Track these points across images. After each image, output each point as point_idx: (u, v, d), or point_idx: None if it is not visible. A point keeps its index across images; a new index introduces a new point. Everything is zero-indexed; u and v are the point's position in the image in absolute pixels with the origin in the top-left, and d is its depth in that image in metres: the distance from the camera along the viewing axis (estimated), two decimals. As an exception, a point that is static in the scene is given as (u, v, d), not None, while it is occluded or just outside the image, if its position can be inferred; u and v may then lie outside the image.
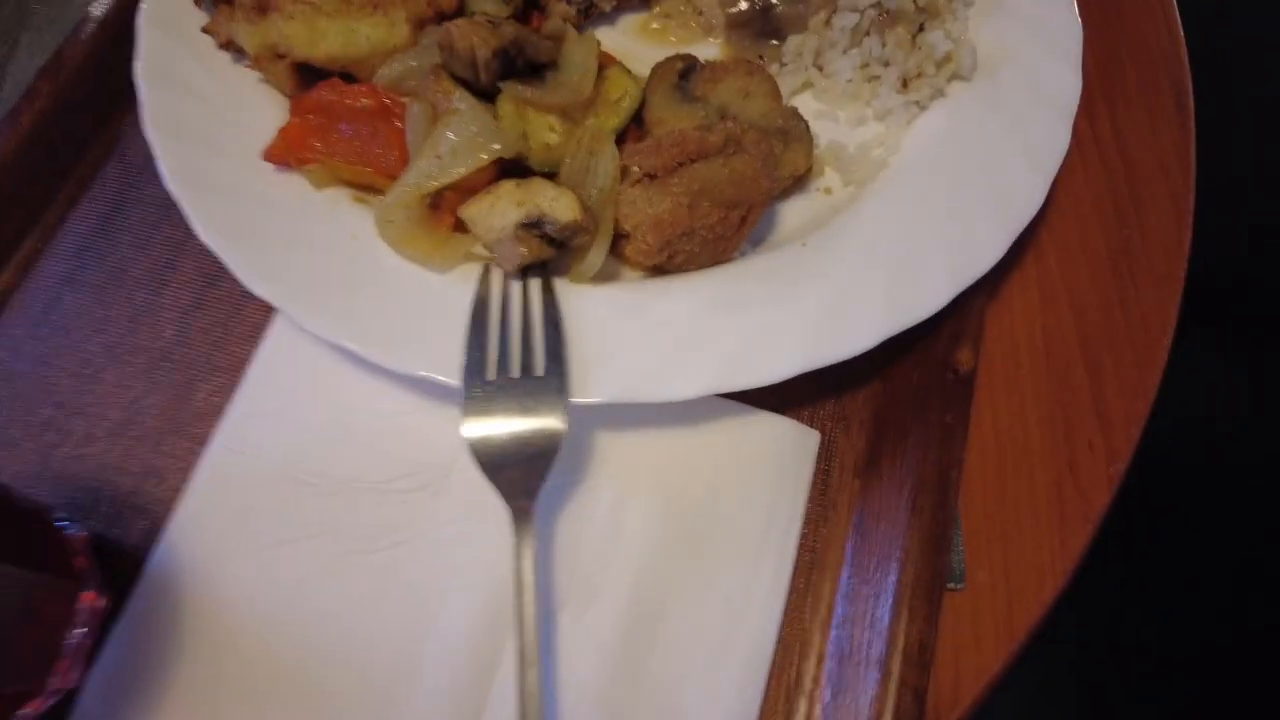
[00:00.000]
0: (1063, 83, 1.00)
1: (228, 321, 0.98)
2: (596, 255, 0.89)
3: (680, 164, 0.87)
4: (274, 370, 0.94)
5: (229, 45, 1.01)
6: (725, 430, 0.88)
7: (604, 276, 0.92)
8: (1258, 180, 1.64)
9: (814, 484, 0.88)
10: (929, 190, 0.93)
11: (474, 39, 0.89)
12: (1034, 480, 0.92)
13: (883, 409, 0.91)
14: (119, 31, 1.06)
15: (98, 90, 1.09)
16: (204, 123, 0.97)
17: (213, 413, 0.93)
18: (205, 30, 1.02)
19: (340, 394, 0.92)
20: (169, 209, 0.93)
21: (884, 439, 0.89)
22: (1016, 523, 0.90)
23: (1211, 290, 1.26)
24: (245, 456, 0.89)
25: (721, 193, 0.87)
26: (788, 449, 0.88)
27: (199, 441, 0.91)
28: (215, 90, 1.00)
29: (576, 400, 0.81)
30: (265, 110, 1.00)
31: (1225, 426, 1.55)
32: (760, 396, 0.87)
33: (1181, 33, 1.21)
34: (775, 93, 0.97)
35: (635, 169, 0.89)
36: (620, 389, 0.81)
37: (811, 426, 0.90)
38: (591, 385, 0.82)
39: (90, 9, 1.15)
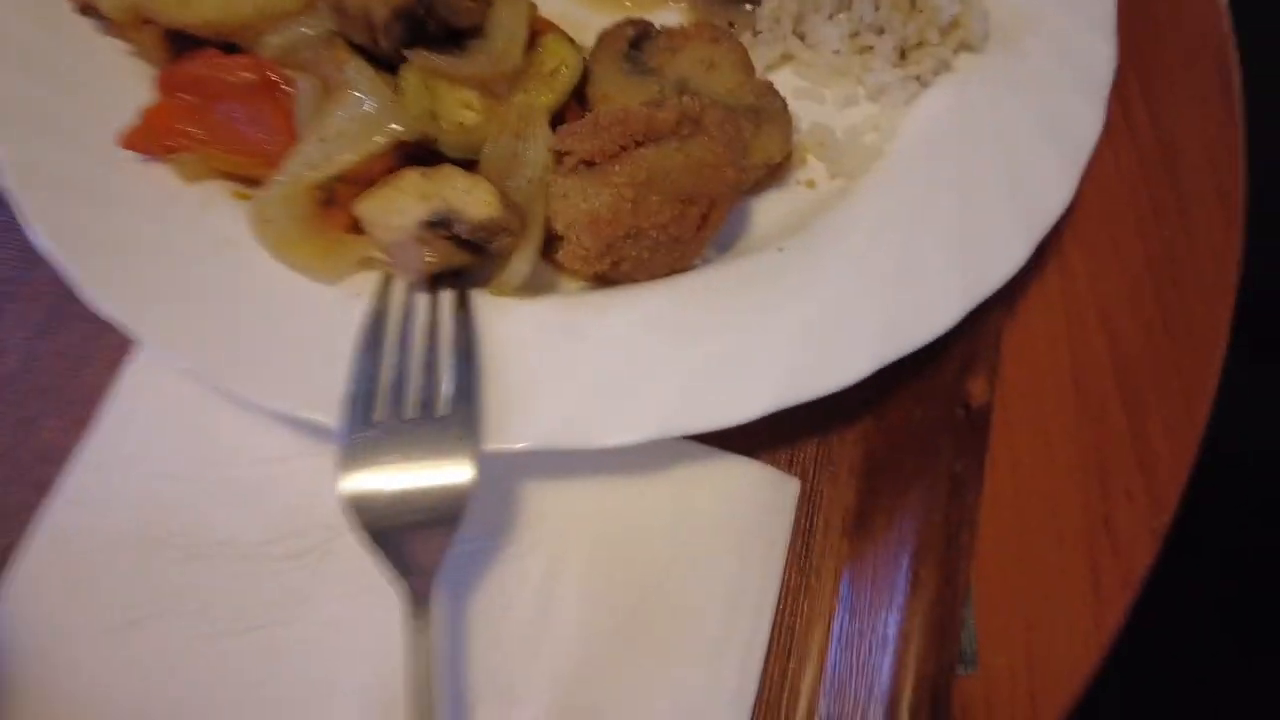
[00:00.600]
0: (1094, 54, 0.85)
1: (85, 346, 0.82)
2: (522, 262, 0.72)
3: (624, 148, 0.70)
4: (135, 405, 0.78)
5: (87, 10, 0.84)
6: (682, 480, 0.72)
7: (535, 288, 0.76)
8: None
9: (792, 545, 0.72)
10: (933, 185, 0.78)
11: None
12: (1062, 540, 0.76)
13: (877, 452, 0.75)
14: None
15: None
16: (54, 104, 0.81)
17: (58, 455, 0.77)
18: (60, -7, 0.85)
19: (212, 435, 0.76)
20: (8, 211, 0.77)
21: (879, 490, 0.73)
22: (1041, 593, 0.74)
23: (1269, 303, 1.09)
24: (94, 510, 0.75)
25: (676, 184, 0.70)
26: (759, 502, 0.72)
27: (39, 490, 0.75)
28: (66, 65, 0.83)
29: (491, 447, 0.65)
30: (129, 88, 0.83)
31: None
32: (727, 435, 0.71)
33: (1227, 6, 1.04)
34: (746, 64, 0.80)
35: (568, 153, 0.72)
36: (546, 433, 0.65)
37: (790, 473, 0.74)
38: (511, 428, 0.66)
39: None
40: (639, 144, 0.70)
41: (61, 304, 0.83)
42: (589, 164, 0.71)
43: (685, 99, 0.72)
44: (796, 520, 0.73)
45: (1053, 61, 0.84)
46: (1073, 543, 0.75)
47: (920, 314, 0.69)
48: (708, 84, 0.79)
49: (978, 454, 0.72)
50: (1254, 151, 0.96)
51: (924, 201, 0.76)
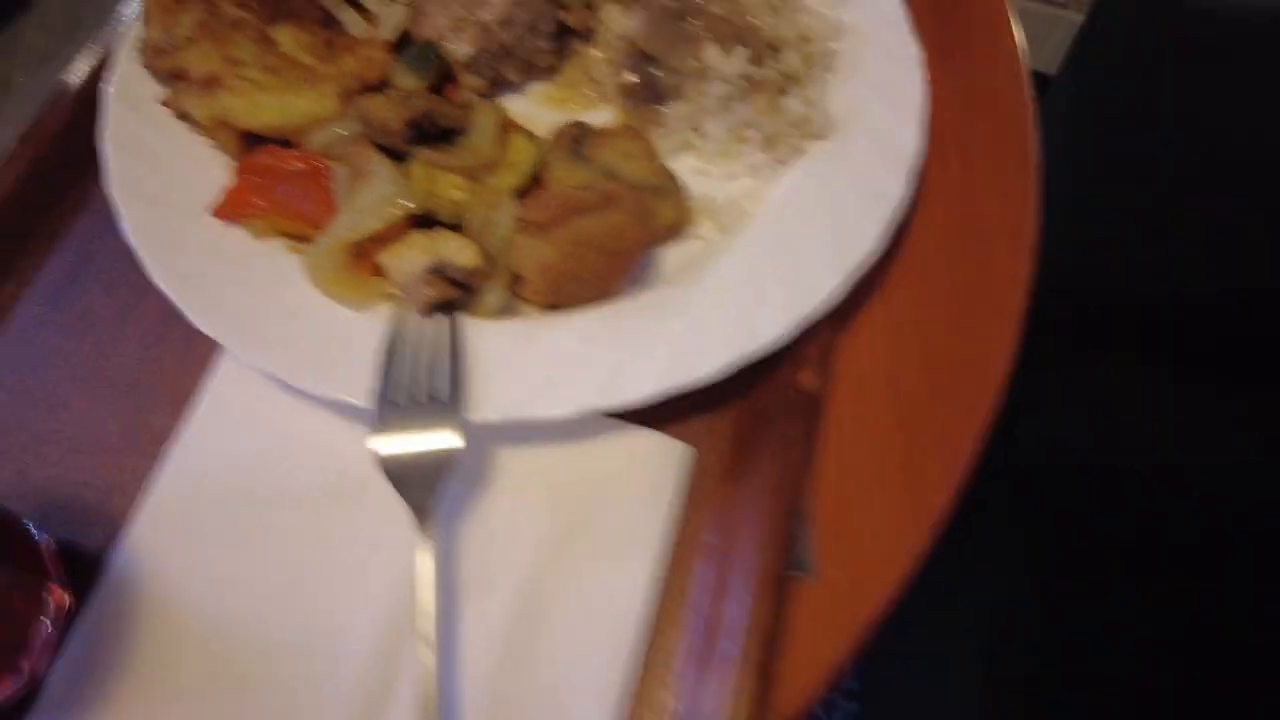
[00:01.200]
0: (905, 137, 1.15)
1: (182, 356, 1.12)
2: (495, 296, 1.04)
3: (563, 217, 1.02)
4: (221, 398, 1.08)
5: (184, 116, 1.17)
6: (605, 444, 1.03)
7: (504, 313, 1.07)
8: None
9: (686, 491, 1.02)
10: (780, 236, 1.08)
11: (387, 113, 1.05)
12: (883, 484, 1.06)
13: (740, 426, 1.05)
14: (90, 102, 1.22)
15: (70, 154, 1.24)
16: (161, 183, 1.13)
17: (168, 435, 1.06)
18: (163, 103, 1.17)
19: (279, 417, 1.06)
20: (131, 259, 1.07)
21: (740, 451, 1.04)
22: (863, 522, 1.03)
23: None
24: (195, 471, 1.03)
25: (600, 243, 1.02)
26: (658, 458, 1.02)
27: (155, 460, 1.05)
28: (171, 155, 1.16)
29: (472, 419, 0.96)
30: (214, 172, 1.15)
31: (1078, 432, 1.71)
32: (642, 415, 1.02)
33: (1030, 94, 1.37)
34: (651, 153, 1.13)
35: (527, 221, 1.04)
36: (508, 409, 0.96)
37: (684, 440, 1.04)
38: (485, 406, 0.97)
39: (67, 82, 1.31)
40: (573, 215, 1.02)
41: (163, 327, 1.14)
42: (541, 228, 1.03)
43: (607, 183, 1.04)
44: (690, 475, 1.04)
45: (874, 145, 1.14)
46: (890, 485, 1.05)
47: (761, 329, 1.00)
48: (627, 170, 1.11)
49: (809, 423, 1.02)
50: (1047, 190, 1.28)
51: (772, 248, 1.07)
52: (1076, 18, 3.18)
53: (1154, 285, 1.79)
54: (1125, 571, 1.59)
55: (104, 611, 0.95)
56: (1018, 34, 1.45)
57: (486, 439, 1.03)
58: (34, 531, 0.96)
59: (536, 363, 1.00)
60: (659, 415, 1.03)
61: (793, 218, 1.11)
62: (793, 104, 1.15)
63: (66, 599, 0.94)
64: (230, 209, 1.09)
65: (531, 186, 1.14)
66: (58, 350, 1.13)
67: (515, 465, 1.03)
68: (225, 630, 0.95)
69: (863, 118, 1.18)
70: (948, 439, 1.10)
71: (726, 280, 1.05)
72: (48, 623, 0.91)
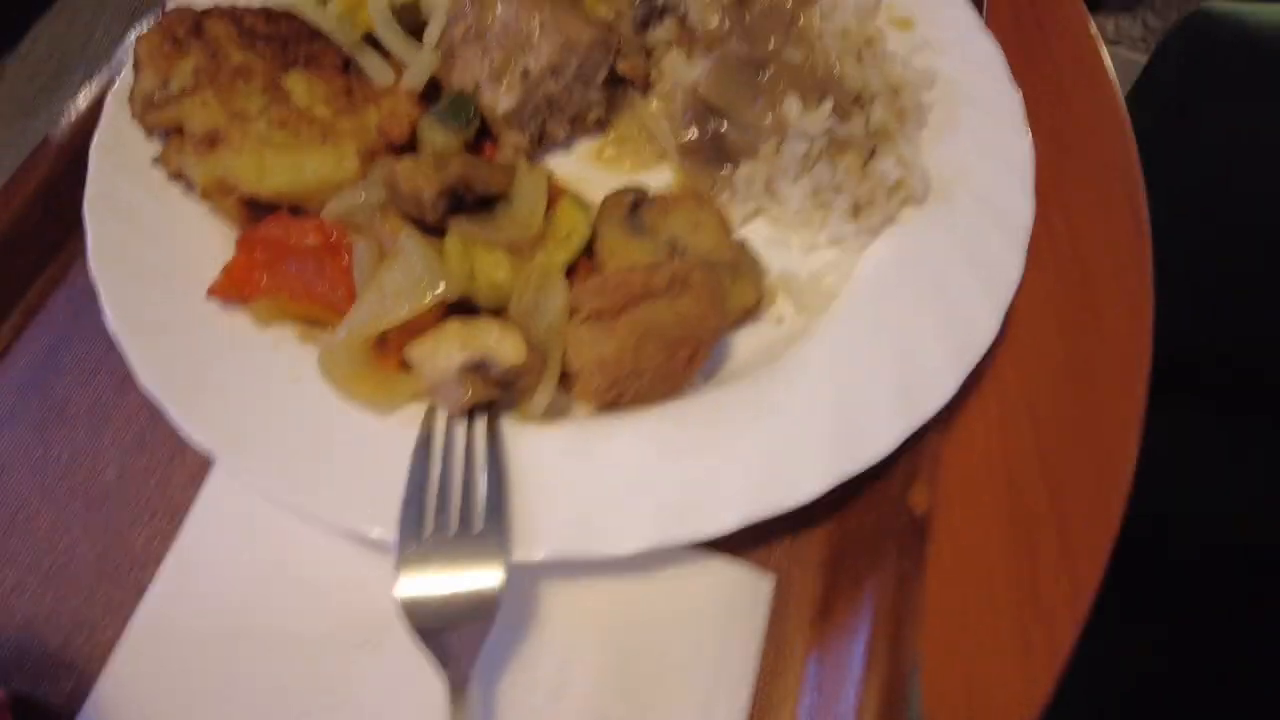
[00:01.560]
0: (1015, 205, 1.00)
1: (169, 462, 0.96)
2: (543, 396, 0.87)
3: (626, 305, 0.86)
4: (215, 515, 0.91)
5: (179, 177, 1.01)
6: (673, 578, 0.86)
7: (552, 411, 0.90)
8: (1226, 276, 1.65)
9: (767, 633, 0.85)
10: (879, 320, 0.92)
11: (419, 180, 0.88)
12: (998, 616, 0.89)
13: (837, 551, 0.89)
14: (75, 159, 1.06)
15: (49, 218, 1.08)
16: (150, 257, 0.97)
17: (150, 560, 0.90)
18: (156, 162, 1.01)
19: (282, 541, 0.89)
20: (115, 341, 0.91)
21: (839, 584, 0.87)
22: (981, 665, 0.86)
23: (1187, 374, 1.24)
24: (181, 608, 0.87)
25: (668, 333, 0.86)
26: (739, 596, 0.85)
27: (134, 591, 0.88)
28: (163, 223, 1.00)
29: (516, 558, 0.79)
30: (214, 244, 0.99)
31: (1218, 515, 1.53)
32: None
33: (1134, 145, 1.22)
34: (724, 225, 0.96)
35: (583, 308, 0.87)
36: (560, 545, 0.79)
37: (765, 569, 0.87)
38: (532, 540, 0.80)
39: (50, 135, 1.15)
40: (638, 301, 0.86)
41: (149, 426, 0.98)
42: (599, 317, 0.87)
43: (675, 262, 0.88)
44: (772, 608, 0.86)
45: (981, 213, 0.99)
46: (1006, 620, 0.89)
47: (867, 439, 0.83)
48: (694, 242, 0.95)
49: (920, 554, 0.85)
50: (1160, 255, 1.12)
51: (871, 335, 0.91)
52: (1133, 56, 3.07)
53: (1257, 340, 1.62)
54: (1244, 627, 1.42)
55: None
56: (1113, 78, 1.30)
57: (532, 574, 0.85)
58: (-22, 689, 0.79)
59: (593, 482, 0.83)
60: (733, 539, 0.86)
61: (892, 298, 0.94)
62: (885, 165, 0.99)
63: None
64: (230, 289, 0.93)
65: (582, 263, 0.97)
66: (25, 452, 0.97)
67: (565, 605, 0.86)
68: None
69: (964, 180, 1.03)
70: (1074, 556, 0.93)
71: (818, 376, 0.89)
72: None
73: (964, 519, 0.93)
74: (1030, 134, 1.07)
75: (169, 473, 0.95)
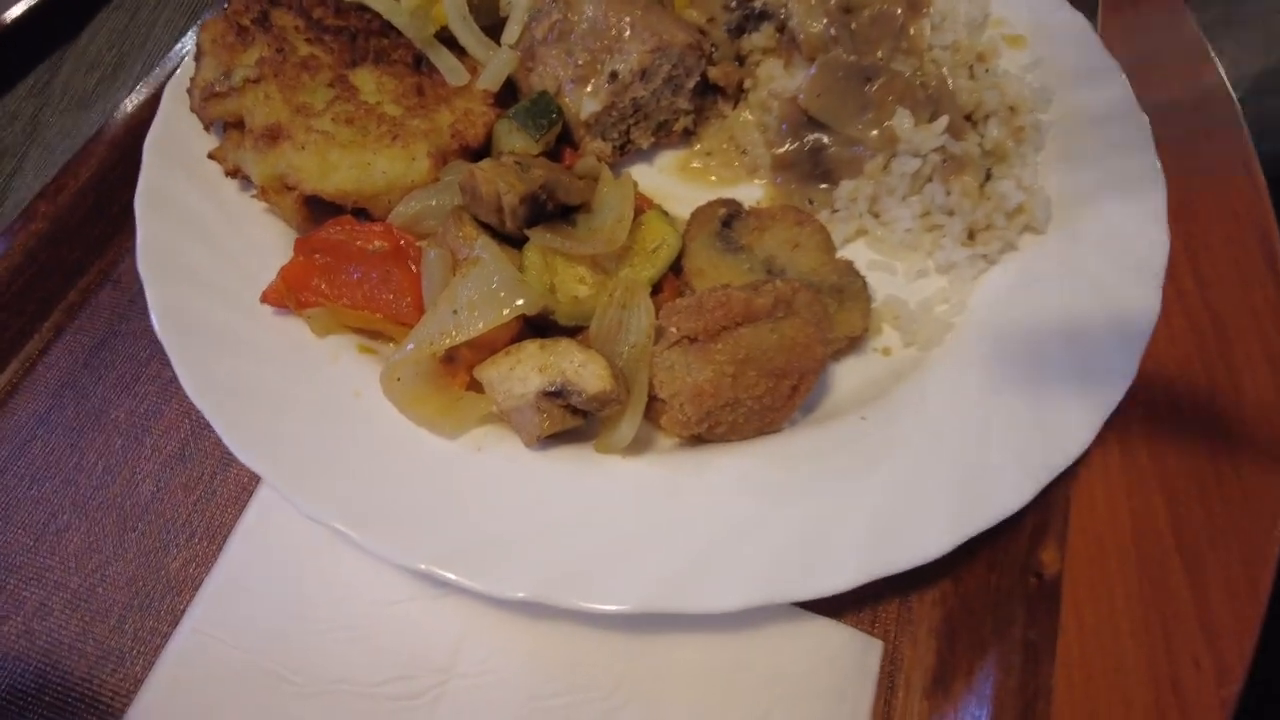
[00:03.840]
0: (1149, 239, 0.91)
1: (212, 478, 0.88)
2: (628, 428, 0.78)
3: (725, 328, 0.77)
4: (259, 541, 0.83)
5: (236, 174, 0.94)
6: (771, 640, 0.76)
7: (635, 443, 0.81)
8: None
9: (875, 703, 0.75)
10: (1003, 361, 0.83)
11: (500, 185, 0.81)
12: (1130, 705, 0.78)
13: (955, 616, 0.78)
14: (128, 153, 1.00)
15: (97, 213, 1.02)
16: (202, 258, 0.89)
17: (187, 586, 0.82)
18: (211, 156, 0.95)
19: (332, 574, 0.81)
20: (160, 345, 0.83)
21: (957, 653, 0.76)
22: None
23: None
24: (218, 642, 0.79)
25: (770, 361, 0.77)
26: (846, 663, 0.75)
27: (167, 621, 0.80)
28: (218, 223, 0.93)
29: (592, 607, 0.69)
30: (272, 247, 0.92)
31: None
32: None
33: (1265, 184, 1.11)
34: (828, 244, 0.88)
35: (674, 330, 0.79)
36: (649, 597, 0.69)
37: (873, 632, 0.77)
38: (616, 590, 0.70)
39: (105, 127, 1.09)
40: (738, 324, 0.77)
41: (191, 438, 0.90)
42: (692, 340, 0.78)
43: (779, 283, 0.79)
44: (879, 679, 0.76)
45: (1112, 246, 0.90)
46: (1141, 707, 0.78)
47: (996, 492, 0.74)
48: (793, 262, 0.86)
49: (1050, 623, 0.75)
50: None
51: (995, 376, 0.82)
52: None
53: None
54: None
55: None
56: (1239, 111, 1.20)
57: (615, 628, 0.76)
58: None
59: (687, 528, 0.74)
60: (838, 598, 0.76)
61: (1016, 335, 0.85)
62: (1004, 187, 0.90)
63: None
64: (286, 295, 0.86)
65: (668, 280, 0.89)
66: (58, 460, 0.89)
67: (644, 667, 0.76)
68: None
69: (1091, 209, 0.93)
70: (1216, 638, 0.81)
71: (939, 418, 0.79)
72: None
73: (1089, 588, 0.82)
74: (1158, 161, 0.98)
75: (211, 490, 0.87)
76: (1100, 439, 0.90)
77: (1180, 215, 1.06)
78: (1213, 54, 1.23)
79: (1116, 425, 0.92)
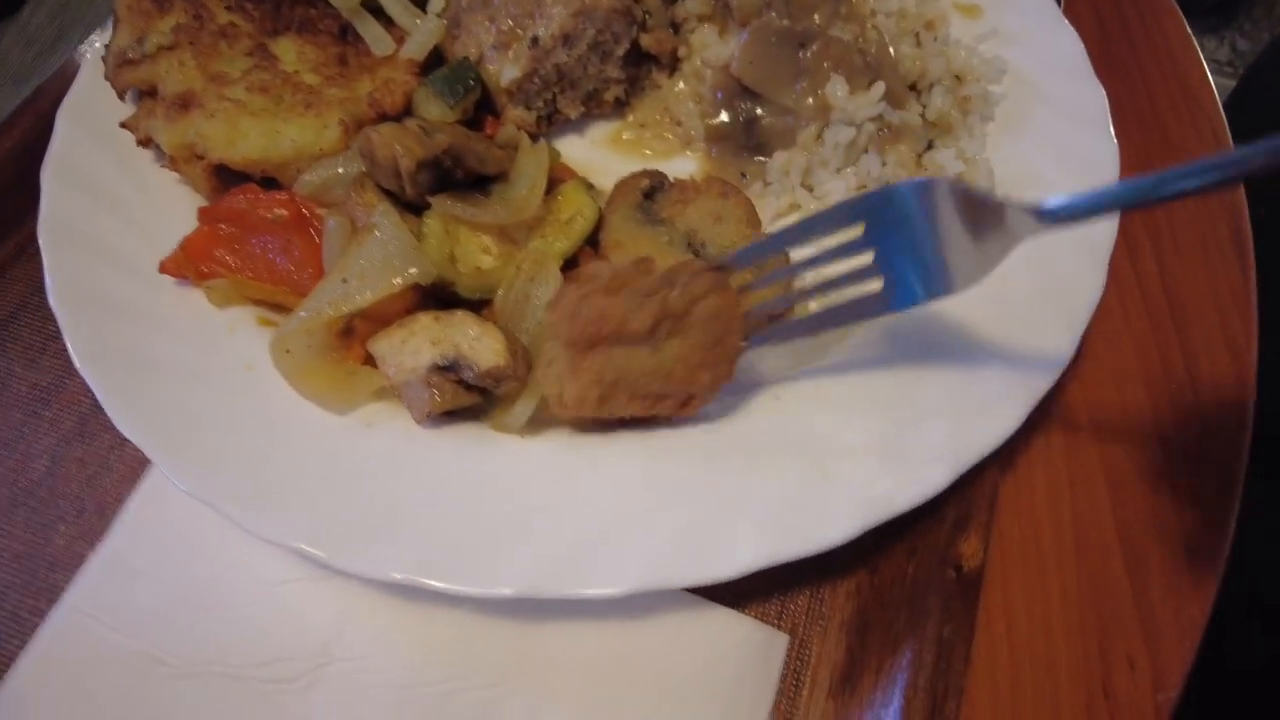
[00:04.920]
0: (1097, 216, 0.85)
1: (108, 455, 0.85)
2: (524, 408, 0.74)
3: (595, 344, 0.71)
4: (149, 518, 0.80)
5: (148, 143, 0.91)
6: (669, 629, 0.72)
7: (536, 422, 0.77)
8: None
9: (777, 702, 0.70)
10: (932, 337, 0.78)
11: (397, 148, 0.77)
12: (1058, 709, 0.73)
13: (869, 609, 0.74)
14: (50, 125, 0.97)
15: (19, 185, 0.99)
16: (106, 227, 0.87)
17: (71, 562, 0.79)
18: (124, 125, 0.92)
19: (220, 553, 0.78)
20: (66, 317, 0.81)
21: (868, 649, 0.72)
22: None
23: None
24: (96, 622, 0.76)
25: (644, 386, 0.71)
26: (747, 657, 0.71)
27: (48, 598, 0.77)
28: (127, 193, 0.90)
29: (480, 592, 0.65)
30: (182, 216, 0.88)
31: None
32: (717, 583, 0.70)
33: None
34: (752, 217, 0.83)
35: (556, 325, 0.72)
36: (537, 580, 0.65)
37: (779, 625, 0.73)
38: (502, 573, 0.66)
39: (31, 99, 1.07)
40: (608, 343, 0.70)
41: (91, 415, 0.87)
42: (567, 345, 0.70)
43: (673, 294, 0.70)
44: (784, 674, 0.71)
45: None
46: (1069, 714, 0.73)
47: (912, 474, 0.69)
48: (715, 236, 0.82)
49: (967, 619, 0.70)
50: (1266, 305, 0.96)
51: (921, 354, 0.77)
52: (1220, 81, 2.85)
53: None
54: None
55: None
56: (1213, 88, 1.14)
57: (501, 613, 0.72)
58: None
59: (579, 510, 0.69)
60: (742, 586, 0.72)
61: (944, 313, 0.80)
62: (944, 157, 0.85)
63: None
64: (186, 265, 0.83)
65: (584, 253, 0.85)
66: (-45, 433, 0.86)
67: (534, 655, 0.72)
68: None
69: (1036, 183, 0.88)
70: (1156, 641, 0.76)
71: (857, 398, 0.74)
72: None
73: (1022, 582, 0.77)
74: (1115, 139, 0.92)
75: (106, 465, 0.84)
76: (1042, 426, 0.86)
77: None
78: (1188, 28, 1.17)
79: (1060, 413, 0.87)
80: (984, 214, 0.61)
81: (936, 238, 0.64)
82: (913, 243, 0.65)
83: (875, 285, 0.69)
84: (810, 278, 0.74)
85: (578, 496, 0.71)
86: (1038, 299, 0.81)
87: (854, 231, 0.68)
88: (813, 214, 0.72)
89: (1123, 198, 0.58)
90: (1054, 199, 0.59)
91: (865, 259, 0.68)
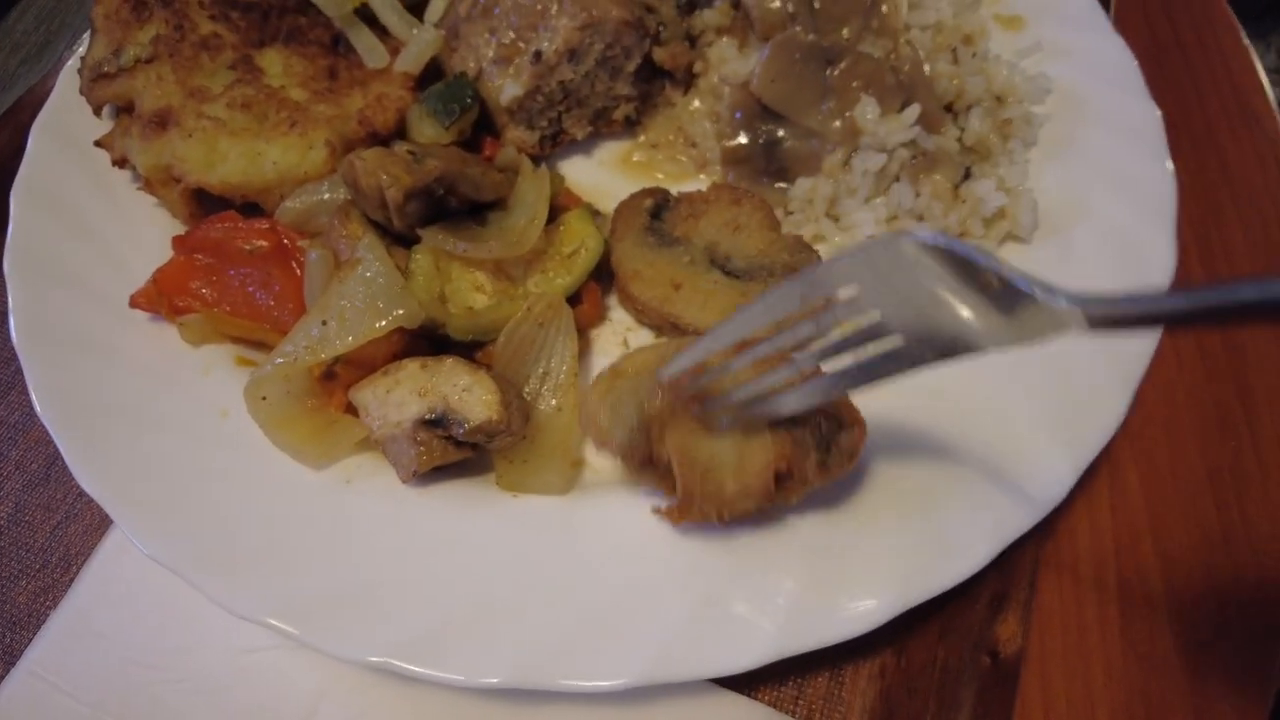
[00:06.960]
0: (1151, 249, 0.77)
1: (72, 501, 0.80)
2: (555, 476, 0.67)
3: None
4: (114, 575, 0.76)
5: (124, 163, 0.85)
6: (674, 713, 0.65)
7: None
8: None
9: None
10: (970, 397, 0.70)
11: (383, 176, 0.70)
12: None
13: (893, 696, 0.67)
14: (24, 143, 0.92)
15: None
16: (79, 256, 0.82)
17: (31, 621, 0.75)
18: (98, 144, 0.86)
19: (188, 615, 0.73)
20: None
21: (894, 742, 0.64)
22: None
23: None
24: (53, 689, 0.71)
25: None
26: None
27: (4, 659, 0.71)
28: (102, 218, 0.84)
29: (463, 681, 0.59)
30: (160, 245, 0.82)
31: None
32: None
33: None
34: (771, 220, 0.77)
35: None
36: (523, 668, 0.59)
37: (794, 713, 0.66)
38: (480, 657, 0.60)
39: (10, 111, 1.02)
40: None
41: (59, 455, 0.81)
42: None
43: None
44: (799, 768, 0.65)
45: (1106, 258, 0.78)
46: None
47: (947, 553, 0.62)
48: (737, 246, 0.75)
49: (1003, 712, 0.63)
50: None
51: (959, 418, 0.70)
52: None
53: None
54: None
55: None
56: (1274, 105, 1.06)
57: (500, 697, 0.65)
58: None
59: (577, 591, 0.63)
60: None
61: (984, 370, 0.72)
62: (983, 188, 0.78)
63: None
64: (157, 299, 0.77)
65: (588, 289, 0.78)
66: (-86, 474, 0.81)
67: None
68: None
69: (1085, 214, 0.80)
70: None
71: (879, 471, 0.67)
72: None
73: (1062, 661, 0.70)
74: (1171, 165, 0.84)
75: (73, 514, 0.79)
76: (1085, 490, 0.78)
77: (1198, 220, 0.92)
78: (1246, 39, 1.08)
79: (1105, 471, 0.79)
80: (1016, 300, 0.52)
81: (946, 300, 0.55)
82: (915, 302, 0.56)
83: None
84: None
85: (579, 572, 0.64)
86: (1084, 357, 0.72)
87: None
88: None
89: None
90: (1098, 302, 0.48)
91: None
